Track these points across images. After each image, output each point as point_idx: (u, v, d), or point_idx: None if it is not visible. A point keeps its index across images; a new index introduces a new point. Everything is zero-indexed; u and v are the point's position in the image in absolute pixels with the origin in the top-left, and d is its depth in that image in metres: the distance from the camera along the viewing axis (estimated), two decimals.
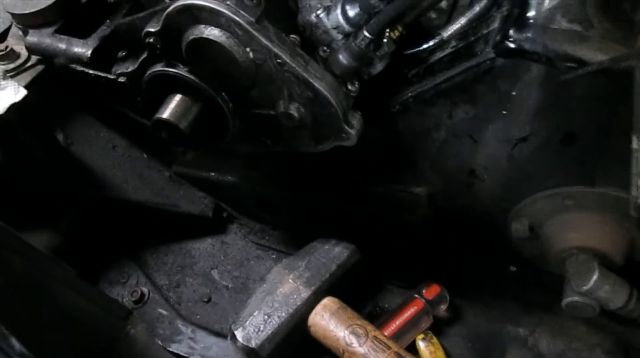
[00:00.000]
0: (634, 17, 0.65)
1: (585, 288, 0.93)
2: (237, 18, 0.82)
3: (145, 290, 1.25)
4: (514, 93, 0.85)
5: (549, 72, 0.80)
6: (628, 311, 0.95)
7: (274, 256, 1.29)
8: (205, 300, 1.24)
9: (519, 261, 1.15)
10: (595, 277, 0.92)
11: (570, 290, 0.97)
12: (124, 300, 1.24)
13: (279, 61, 0.85)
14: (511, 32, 0.79)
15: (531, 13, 0.78)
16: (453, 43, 0.92)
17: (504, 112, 0.89)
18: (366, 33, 0.84)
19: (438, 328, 1.14)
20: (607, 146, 0.86)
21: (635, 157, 0.52)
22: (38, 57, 1.17)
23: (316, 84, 0.86)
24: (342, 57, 0.88)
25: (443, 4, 0.97)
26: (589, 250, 0.98)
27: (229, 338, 1.08)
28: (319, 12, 0.89)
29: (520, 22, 0.78)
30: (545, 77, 0.81)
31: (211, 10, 0.82)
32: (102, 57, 1.09)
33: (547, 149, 0.91)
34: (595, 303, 0.95)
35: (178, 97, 0.97)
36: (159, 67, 0.97)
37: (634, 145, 0.52)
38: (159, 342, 1.17)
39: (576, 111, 0.83)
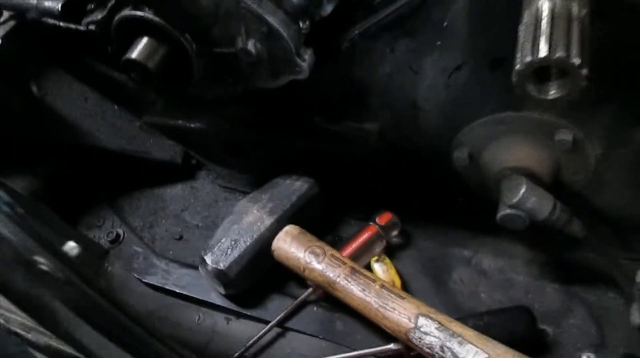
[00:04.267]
0: None
1: (515, 200, 1.04)
2: None
3: (120, 231, 1.34)
4: (445, 24, 0.96)
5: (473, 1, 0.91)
6: (554, 221, 1.07)
7: (241, 197, 1.38)
8: (177, 237, 1.34)
9: (464, 191, 1.27)
10: (523, 190, 1.04)
11: (503, 204, 1.08)
12: (101, 241, 1.33)
13: None
14: None
15: None
16: None
17: (438, 43, 0.99)
18: None
19: (391, 253, 1.25)
20: None
21: (518, 40, 0.63)
22: (10, 12, 1.25)
23: (269, 19, 0.95)
24: None
25: None
26: (520, 170, 1.09)
27: (199, 264, 1.18)
28: None
29: None
30: (470, 5, 0.91)
31: None
32: (73, 9, 1.16)
33: (479, 76, 1.02)
34: (525, 214, 1.06)
35: (145, 39, 1.05)
36: (126, 11, 1.05)
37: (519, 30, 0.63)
38: (135, 275, 1.26)
39: (499, 37, 0.93)
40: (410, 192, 1.29)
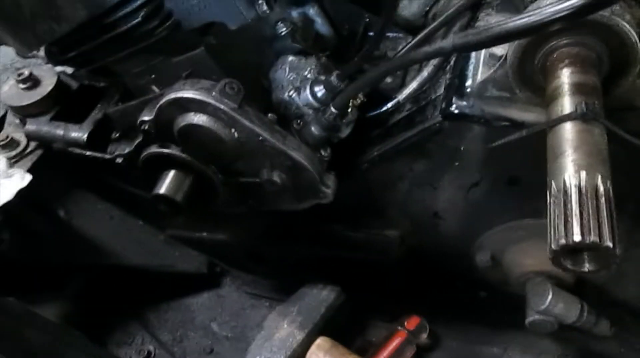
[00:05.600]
0: (545, 87, 0.80)
1: (542, 307, 1.07)
2: (221, 106, 0.96)
3: (151, 347, 1.35)
4: (462, 148, 1.00)
5: (488, 130, 0.95)
6: (583, 323, 1.09)
7: (267, 303, 1.41)
8: (208, 351, 1.35)
9: (487, 287, 1.29)
10: (549, 297, 1.07)
11: (530, 310, 1.10)
12: None
13: (260, 138, 0.99)
14: (454, 100, 0.94)
15: (468, 84, 0.93)
16: (408, 106, 1.07)
17: (456, 163, 1.03)
18: (333, 109, 0.99)
19: (421, 355, 1.27)
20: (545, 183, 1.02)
21: (548, 210, 0.66)
22: (36, 142, 1.29)
23: (294, 155, 0.99)
24: (314, 129, 1.02)
25: None
26: (543, 273, 1.12)
27: None
28: (290, 92, 1.04)
29: (460, 91, 0.94)
30: (486, 133, 0.96)
31: (199, 101, 0.96)
32: (97, 139, 1.21)
33: (497, 191, 1.05)
34: (553, 320, 1.08)
35: (172, 172, 1.09)
36: (153, 148, 1.09)
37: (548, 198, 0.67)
38: None
39: (514, 159, 0.98)
40: (435, 291, 1.31)
